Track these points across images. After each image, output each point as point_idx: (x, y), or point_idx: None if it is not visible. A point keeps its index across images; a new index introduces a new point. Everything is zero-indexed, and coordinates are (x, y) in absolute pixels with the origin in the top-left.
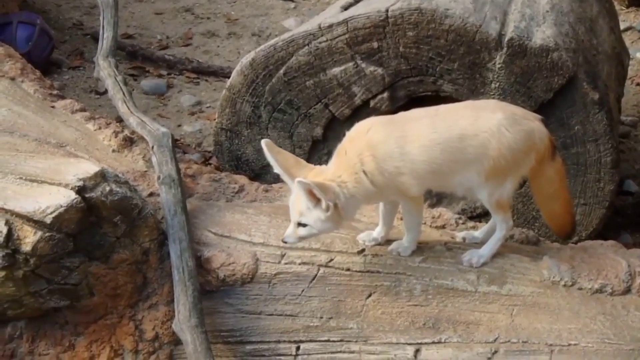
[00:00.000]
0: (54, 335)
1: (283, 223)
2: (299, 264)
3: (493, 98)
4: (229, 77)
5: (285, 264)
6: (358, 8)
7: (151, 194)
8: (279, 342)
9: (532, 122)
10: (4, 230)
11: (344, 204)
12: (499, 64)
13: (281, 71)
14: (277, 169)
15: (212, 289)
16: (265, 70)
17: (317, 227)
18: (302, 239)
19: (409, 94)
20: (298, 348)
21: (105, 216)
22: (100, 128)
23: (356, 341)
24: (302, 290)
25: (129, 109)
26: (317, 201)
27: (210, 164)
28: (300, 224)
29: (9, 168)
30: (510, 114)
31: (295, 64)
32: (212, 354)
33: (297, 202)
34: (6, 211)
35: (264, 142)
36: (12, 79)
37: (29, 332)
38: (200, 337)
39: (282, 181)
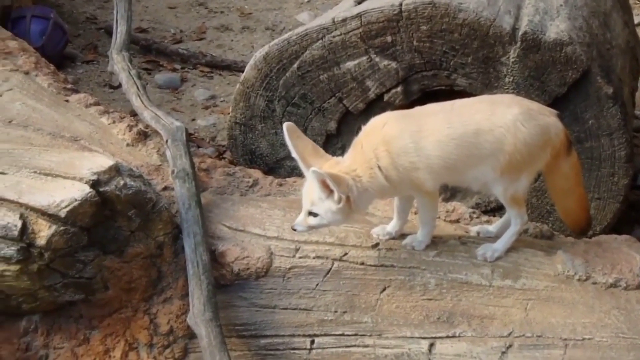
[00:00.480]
0: (69, 329)
1: (297, 217)
2: (313, 258)
3: (507, 92)
4: (242, 71)
5: (300, 257)
6: (372, 2)
7: (165, 188)
8: (293, 335)
9: (548, 117)
10: (19, 224)
11: (356, 197)
12: (513, 58)
13: (295, 65)
14: (294, 154)
15: (226, 283)
16: (279, 64)
17: (327, 218)
18: (311, 228)
19: (423, 88)
20: (312, 342)
21: (120, 210)
22: (114, 122)
23: (370, 335)
24: (317, 284)
25: (143, 102)
26: (329, 192)
27: (224, 157)
28: (311, 213)
29: (24, 162)
30: (526, 109)
31: (309, 58)
32: (226, 347)
33: (310, 191)
34: (20, 205)
35: (286, 125)
36: (26, 72)
37: (43, 325)
38: (214, 331)
39: (296, 175)
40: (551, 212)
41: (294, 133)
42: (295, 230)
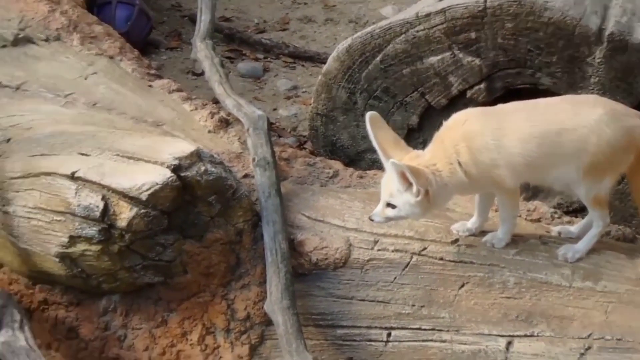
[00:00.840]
0: (147, 310)
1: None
2: (392, 251)
3: (592, 93)
4: (325, 63)
5: (378, 250)
6: None
7: (246, 176)
8: (370, 327)
9: (633, 119)
10: (101, 205)
11: (435, 192)
12: (599, 58)
13: (378, 58)
14: (374, 144)
15: (304, 272)
16: (361, 57)
17: (404, 211)
18: (388, 219)
19: (506, 85)
20: (389, 334)
21: (200, 195)
22: (196, 109)
23: (448, 330)
24: (395, 278)
25: (225, 90)
26: (408, 185)
27: (305, 148)
28: (389, 205)
29: (107, 145)
30: (611, 110)
31: (392, 52)
32: (302, 336)
33: (389, 183)
34: (103, 187)
35: (369, 114)
36: (111, 57)
37: (122, 306)
38: (291, 319)
39: (376, 167)
40: (634, 215)
41: (376, 123)
42: (372, 220)
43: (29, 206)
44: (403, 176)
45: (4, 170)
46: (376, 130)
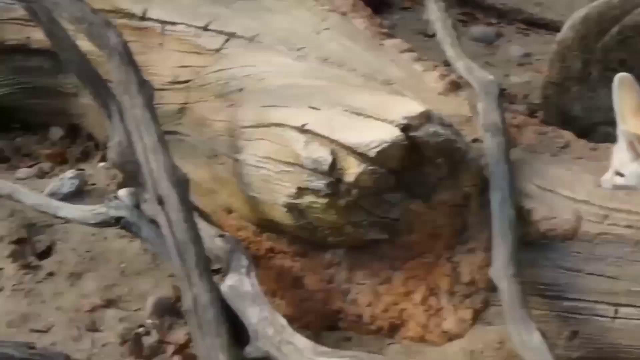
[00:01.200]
0: (372, 266)
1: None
2: (624, 227)
3: None
4: (559, 31)
5: (609, 224)
6: None
7: (475, 140)
8: (596, 302)
9: None
10: (329, 159)
11: None
12: None
13: (615, 29)
14: (614, 107)
15: (531, 241)
16: (598, 26)
17: (632, 181)
18: (617, 187)
19: None
20: (616, 311)
21: (428, 157)
22: (427, 70)
23: None
24: (625, 254)
25: (456, 53)
26: (636, 155)
27: (536, 116)
28: (618, 173)
29: (337, 100)
30: None
31: (630, 23)
32: (527, 304)
33: (620, 151)
34: (332, 141)
35: (620, 75)
36: (344, 14)
37: (347, 260)
38: (516, 287)
39: (610, 141)
40: None
41: (625, 85)
42: (600, 186)
43: (259, 155)
44: (632, 145)
45: (236, 119)
46: (621, 92)
